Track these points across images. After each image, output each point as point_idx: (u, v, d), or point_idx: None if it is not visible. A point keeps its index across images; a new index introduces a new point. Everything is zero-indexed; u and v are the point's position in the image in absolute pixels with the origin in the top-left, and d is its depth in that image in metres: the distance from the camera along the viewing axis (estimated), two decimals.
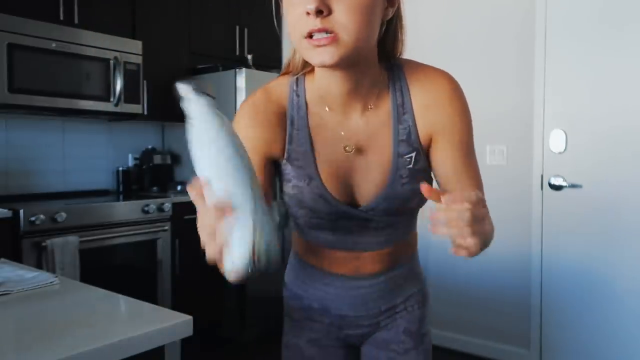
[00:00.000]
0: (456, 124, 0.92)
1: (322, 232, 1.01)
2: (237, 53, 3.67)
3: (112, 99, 2.90)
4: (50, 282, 1.13)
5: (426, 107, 0.91)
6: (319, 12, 0.76)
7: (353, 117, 0.92)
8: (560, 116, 2.69)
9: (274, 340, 3.51)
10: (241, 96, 3.17)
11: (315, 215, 0.96)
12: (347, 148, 0.92)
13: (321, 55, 0.79)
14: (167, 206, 2.96)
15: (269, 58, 3.90)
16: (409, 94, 0.92)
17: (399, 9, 0.90)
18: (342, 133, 0.92)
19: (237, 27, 3.67)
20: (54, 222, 2.46)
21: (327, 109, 0.93)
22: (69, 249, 2.44)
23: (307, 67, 0.94)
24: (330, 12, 0.77)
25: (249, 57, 3.54)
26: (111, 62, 2.88)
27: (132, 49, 2.98)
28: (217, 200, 0.62)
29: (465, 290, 2.90)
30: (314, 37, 0.79)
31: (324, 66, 0.82)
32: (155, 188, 3.36)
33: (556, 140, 2.70)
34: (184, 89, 0.66)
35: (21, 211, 2.37)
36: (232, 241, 0.62)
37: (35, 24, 2.58)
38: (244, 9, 3.72)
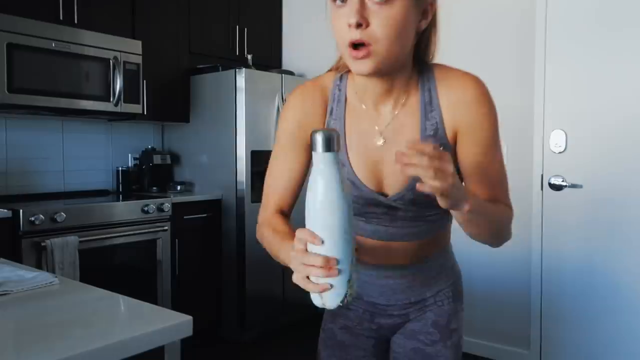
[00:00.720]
0: (480, 123, 0.99)
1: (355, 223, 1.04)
2: (237, 53, 3.67)
3: (111, 99, 2.90)
4: (50, 282, 1.12)
5: (453, 104, 0.99)
6: (358, 25, 0.86)
7: (385, 113, 1.02)
8: (560, 116, 2.69)
9: (274, 340, 3.51)
10: (241, 96, 3.17)
11: None
12: (377, 141, 1.01)
13: (359, 66, 0.90)
14: (167, 206, 2.96)
15: (269, 58, 3.90)
16: (437, 93, 1.00)
17: (434, 18, 0.98)
18: (375, 127, 1.02)
19: (237, 27, 3.67)
20: (54, 222, 2.45)
21: (362, 105, 1.03)
22: (68, 249, 2.44)
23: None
24: (368, 25, 0.87)
25: (249, 57, 3.54)
26: (111, 62, 2.88)
27: (131, 49, 2.98)
28: (327, 257, 0.77)
29: (465, 291, 2.89)
30: (354, 49, 0.89)
31: (361, 75, 0.93)
32: (155, 188, 3.36)
33: (556, 140, 2.70)
34: (317, 141, 0.76)
35: (21, 211, 2.37)
36: (332, 288, 0.78)
37: (35, 24, 2.58)
38: (244, 9, 3.72)
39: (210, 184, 3.37)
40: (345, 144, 1.04)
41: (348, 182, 0.79)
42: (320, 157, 0.76)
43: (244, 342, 3.21)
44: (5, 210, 2.35)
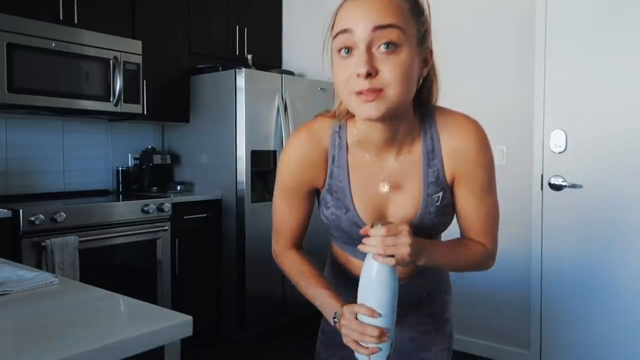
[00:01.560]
0: (476, 174, 1.03)
1: (355, 247, 1.11)
2: (237, 53, 3.67)
3: (111, 99, 2.90)
4: (50, 282, 1.12)
5: (453, 152, 1.02)
6: (368, 75, 0.87)
7: (388, 159, 1.04)
8: (560, 116, 2.69)
9: (274, 340, 3.51)
10: (241, 96, 3.17)
11: (349, 237, 1.10)
12: (381, 188, 1.05)
13: (368, 110, 0.90)
14: (167, 206, 2.96)
15: (269, 58, 3.90)
16: (439, 141, 1.02)
17: (433, 65, 1.00)
18: (379, 175, 1.05)
19: (237, 27, 3.67)
20: (54, 222, 2.45)
21: (365, 152, 1.04)
22: (68, 249, 2.44)
23: (350, 114, 1.03)
24: (377, 73, 0.88)
25: (249, 57, 3.54)
26: (111, 62, 2.88)
27: (131, 49, 2.98)
28: (381, 328, 0.92)
29: (465, 291, 2.89)
30: (362, 94, 0.89)
31: (369, 119, 0.92)
32: (155, 188, 3.36)
33: (556, 140, 2.70)
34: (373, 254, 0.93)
35: (21, 211, 2.37)
36: (379, 351, 0.94)
37: (35, 24, 2.58)
38: (244, 9, 3.72)
39: (210, 184, 3.37)
40: (350, 190, 1.06)
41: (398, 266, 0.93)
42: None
43: (244, 342, 3.21)
44: (5, 210, 2.35)
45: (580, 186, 2.63)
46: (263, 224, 3.15)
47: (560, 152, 2.69)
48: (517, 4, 2.86)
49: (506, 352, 2.93)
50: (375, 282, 0.92)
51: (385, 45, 0.87)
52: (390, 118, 0.94)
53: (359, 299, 0.95)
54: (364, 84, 0.87)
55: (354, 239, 1.07)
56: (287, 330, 3.39)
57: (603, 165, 2.57)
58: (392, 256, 0.92)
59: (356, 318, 0.94)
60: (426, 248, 0.97)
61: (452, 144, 1.01)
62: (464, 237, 1.10)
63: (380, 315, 0.92)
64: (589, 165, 2.61)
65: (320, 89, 3.60)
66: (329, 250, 1.29)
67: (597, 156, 2.59)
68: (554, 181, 2.70)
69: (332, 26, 0.95)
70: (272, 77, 3.35)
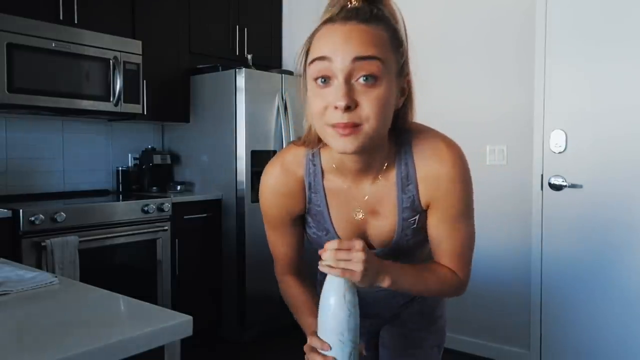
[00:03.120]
0: (450, 200, 1.00)
1: None
2: (237, 53, 3.67)
3: (111, 99, 2.90)
4: (50, 282, 1.12)
5: (428, 178, 0.99)
6: (347, 108, 0.84)
7: (363, 186, 1.02)
8: (560, 116, 2.69)
9: (274, 340, 3.51)
10: (241, 96, 3.17)
11: None
12: (356, 214, 1.04)
13: (344, 144, 0.87)
14: (167, 206, 2.96)
15: (268, 58, 3.90)
16: (414, 165, 0.99)
17: (410, 92, 0.97)
18: (354, 199, 1.03)
19: (237, 27, 3.67)
20: (54, 222, 2.45)
21: (340, 178, 1.03)
22: (68, 248, 2.44)
23: (322, 142, 1.00)
24: (357, 106, 0.85)
25: (249, 57, 3.53)
26: (111, 62, 2.88)
27: (131, 49, 2.98)
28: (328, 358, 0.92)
29: (467, 292, 2.90)
30: (336, 126, 0.86)
31: (345, 153, 0.90)
32: (155, 188, 3.36)
33: (556, 140, 2.70)
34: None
35: (21, 211, 2.37)
36: None
37: (35, 24, 2.58)
38: (244, 9, 3.72)
39: (210, 184, 3.37)
40: (329, 214, 1.05)
41: (356, 302, 0.91)
42: (333, 282, 0.90)
43: (244, 342, 3.21)
44: (5, 210, 2.35)
45: (580, 186, 2.63)
46: (263, 223, 3.15)
47: (560, 152, 2.69)
48: (518, 5, 2.86)
49: (506, 352, 2.93)
50: (332, 316, 0.91)
51: (365, 78, 0.84)
52: (362, 152, 0.91)
53: (318, 328, 0.95)
54: (342, 117, 0.84)
55: None
56: (287, 330, 3.39)
57: (603, 165, 2.57)
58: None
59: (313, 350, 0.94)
60: (389, 269, 0.95)
61: (426, 170, 0.99)
62: (435, 262, 1.07)
63: (330, 347, 0.91)
64: (589, 165, 2.61)
65: None
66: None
67: (597, 156, 2.59)
68: (554, 181, 2.70)
69: (307, 51, 0.91)
70: (272, 77, 3.35)
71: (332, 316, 0.90)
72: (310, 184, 1.05)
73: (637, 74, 2.48)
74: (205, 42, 3.49)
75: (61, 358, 0.70)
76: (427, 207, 1.02)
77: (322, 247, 1.06)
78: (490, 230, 2.87)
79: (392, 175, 1.01)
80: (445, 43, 3.06)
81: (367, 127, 0.86)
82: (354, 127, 0.85)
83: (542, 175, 2.75)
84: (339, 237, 1.05)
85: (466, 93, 2.97)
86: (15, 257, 2.30)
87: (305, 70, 0.91)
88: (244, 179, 3.18)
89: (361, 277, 0.89)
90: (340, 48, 0.84)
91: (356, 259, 0.89)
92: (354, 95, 0.84)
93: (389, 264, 0.97)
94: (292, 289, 1.16)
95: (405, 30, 0.93)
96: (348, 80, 0.84)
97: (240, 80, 3.17)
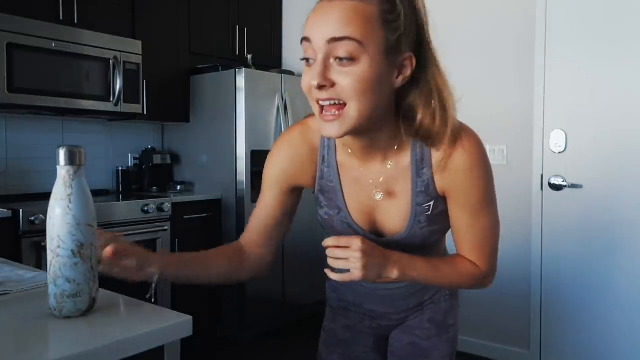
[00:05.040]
0: (468, 189, 0.97)
1: None
2: (237, 53, 3.67)
3: (111, 99, 2.90)
4: None
5: (445, 169, 0.95)
6: (321, 87, 0.84)
7: (374, 165, 1.00)
8: (560, 116, 2.69)
9: (274, 340, 3.50)
10: (241, 96, 3.17)
11: None
12: (374, 194, 1.01)
13: (329, 129, 0.87)
14: (167, 206, 2.96)
15: (269, 58, 3.90)
16: (429, 151, 0.96)
17: (417, 71, 0.90)
18: (369, 180, 1.01)
19: (237, 27, 3.67)
20: None
21: (350, 156, 1.01)
22: None
23: None
24: (333, 85, 0.84)
25: (249, 57, 3.53)
26: (111, 62, 2.88)
27: (131, 49, 2.98)
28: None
29: (465, 291, 2.90)
30: (323, 111, 0.87)
31: (330, 137, 0.91)
32: (155, 188, 3.36)
33: (556, 140, 2.70)
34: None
35: (21, 211, 2.37)
36: None
37: (35, 24, 2.58)
38: (244, 9, 3.72)
39: (210, 183, 3.37)
40: (342, 190, 1.03)
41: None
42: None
43: (243, 342, 3.21)
44: (5, 210, 2.35)
45: (580, 186, 2.63)
46: None
47: (560, 152, 2.69)
48: (518, 4, 2.86)
49: (506, 352, 2.93)
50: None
51: (340, 60, 0.83)
52: (356, 133, 0.90)
53: None
54: (320, 94, 0.85)
55: None
56: (287, 330, 3.39)
57: (603, 165, 2.57)
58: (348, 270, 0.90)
59: None
60: (396, 260, 0.94)
61: (442, 157, 0.94)
62: (457, 254, 1.05)
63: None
64: (589, 165, 2.61)
65: None
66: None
67: (597, 156, 2.59)
68: (554, 181, 2.70)
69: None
70: (272, 77, 3.35)
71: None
72: (324, 157, 1.03)
73: (637, 74, 2.48)
74: (205, 42, 3.49)
75: (61, 358, 0.70)
76: (443, 194, 0.99)
77: (333, 228, 1.07)
78: None
79: (407, 158, 0.98)
80: (445, 43, 3.05)
81: (351, 108, 0.85)
82: (338, 110, 0.85)
83: (542, 175, 2.75)
84: (350, 215, 1.03)
85: (466, 93, 2.97)
86: (15, 257, 2.30)
87: None
88: (244, 179, 3.18)
89: (363, 274, 0.89)
90: (317, 29, 0.85)
91: (354, 258, 0.89)
92: (330, 74, 0.84)
93: (395, 254, 0.95)
94: (217, 249, 1.09)
95: (413, 4, 0.91)
96: (325, 60, 0.84)
97: (240, 80, 3.17)
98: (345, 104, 0.85)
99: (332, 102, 0.86)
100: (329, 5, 0.85)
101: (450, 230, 1.07)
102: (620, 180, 2.52)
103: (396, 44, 0.86)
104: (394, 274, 0.94)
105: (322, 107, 0.87)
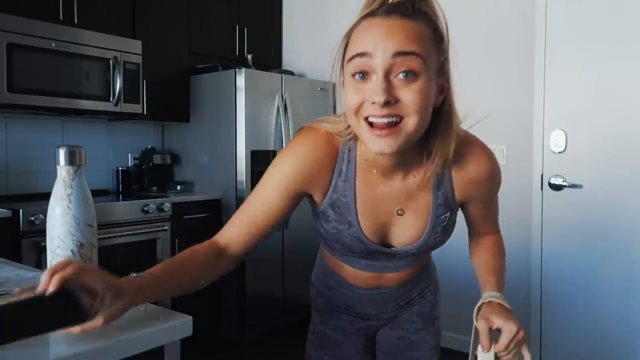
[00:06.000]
0: (489, 195, 1.08)
1: (352, 257, 1.12)
2: (237, 53, 3.67)
3: (111, 99, 2.90)
4: None
5: (465, 181, 1.02)
6: (387, 103, 0.82)
7: (395, 181, 1.01)
8: (560, 116, 2.69)
9: (274, 340, 3.50)
10: (241, 96, 3.17)
11: (350, 250, 1.08)
12: (395, 211, 1.02)
13: (381, 145, 0.85)
14: (167, 206, 2.96)
15: (269, 58, 3.90)
16: (449, 165, 1.00)
17: (449, 91, 0.93)
18: (385, 195, 1.01)
19: (237, 27, 3.67)
20: None
21: (372, 171, 1.00)
22: None
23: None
24: (397, 101, 0.83)
25: (249, 57, 3.53)
26: (111, 61, 2.88)
27: (131, 49, 2.98)
28: None
29: (465, 290, 2.89)
30: (374, 126, 0.84)
31: (383, 154, 0.88)
32: (154, 188, 3.36)
33: (556, 140, 2.70)
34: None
35: (21, 211, 2.37)
36: None
37: (35, 24, 2.58)
38: (244, 9, 3.72)
39: (210, 183, 3.37)
40: (356, 206, 1.01)
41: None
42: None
43: (243, 342, 3.21)
44: (5, 210, 2.35)
45: (580, 186, 2.63)
46: None
47: (560, 152, 2.69)
48: (518, 5, 2.86)
49: None
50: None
51: (404, 74, 0.82)
52: (403, 151, 0.89)
53: None
54: (380, 111, 0.82)
55: (354, 251, 1.07)
56: (287, 330, 3.39)
57: (603, 165, 2.57)
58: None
59: None
60: (502, 296, 1.06)
61: (463, 174, 1.01)
62: (477, 238, 1.18)
63: None
64: (589, 165, 2.61)
65: (320, 89, 3.60)
66: (319, 257, 1.28)
67: (597, 156, 2.59)
68: (554, 181, 2.70)
69: (346, 46, 0.88)
70: (272, 77, 3.35)
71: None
72: (341, 170, 1.00)
73: (637, 74, 2.47)
74: (205, 42, 3.49)
75: (61, 358, 0.70)
76: (461, 202, 1.07)
77: (340, 242, 1.05)
78: None
79: (427, 172, 0.99)
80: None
81: (409, 123, 0.84)
82: (394, 126, 0.84)
83: (542, 175, 2.75)
84: (362, 232, 1.02)
85: (466, 93, 2.96)
86: (15, 257, 2.30)
87: (342, 66, 0.89)
88: (243, 179, 3.18)
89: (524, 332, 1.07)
90: (381, 43, 0.82)
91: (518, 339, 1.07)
92: (393, 91, 0.82)
93: (496, 294, 1.06)
94: (192, 249, 0.96)
95: (446, 27, 0.90)
96: (387, 75, 0.82)
97: (240, 80, 3.17)
98: (400, 121, 0.84)
99: (390, 120, 0.83)
100: (389, 21, 0.83)
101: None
102: (620, 181, 2.52)
103: (442, 66, 0.89)
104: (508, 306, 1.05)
105: (370, 123, 0.84)
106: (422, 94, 0.83)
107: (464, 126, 1.01)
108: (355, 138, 0.99)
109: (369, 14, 0.86)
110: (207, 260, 0.96)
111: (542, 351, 2.80)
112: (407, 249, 1.05)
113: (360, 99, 0.84)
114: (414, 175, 1.00)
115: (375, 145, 0.86)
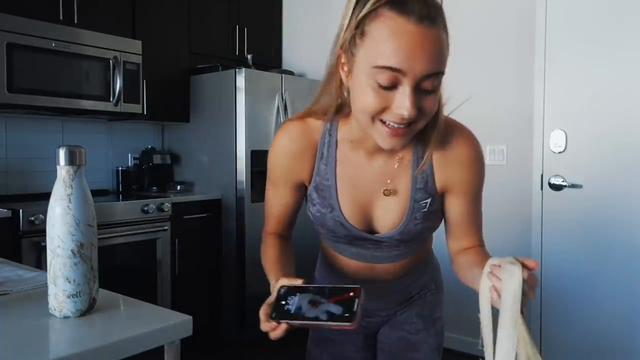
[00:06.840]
0: (470, 182, 1.03)
1: (341, 244, 1.13)
2: (237, 53, 3.67)
3: (111, 99, 2.90)
4: None
5: (444, 163, 1.01)
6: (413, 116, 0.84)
7: (379, 160, 1.03)
8: (560, 116, 2.69)
9: (274, 340, 3.50)
10: (241, 96, 3.17)
11: (334, 235, 1.10)
12: (379, 190, 1.03)
13: (392, 144, 0.89)
14: (167, 206, 2.96)
15: (269, 58, 3.90)
16: (430, 147, 1.00)
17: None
18: (372, 175, 1.03)
19: (237, 27, 3.67)
20: None
21: (355, 153, 1.02)
22: None
23: (340, 114, 1.00)
24: (419, 111, 0.85)
25: (249, 57, 3.54)
26: (111, 62, 2.88)
27: (131, 49, 2.98)
28: None
29: (465, 290, 2.90)
30: (390, 128, 0.87)
31: (393, 150, 0.93)
32: (154, 188, 3.36)
33: (556, 140, 2.70)
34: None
35: (21, 211, 2.37)
36: None
37: (35, 24, 2.58)
38: (244, 9, 3.72)
39: (210, 183, 3.37)
40: (336, 190, 1.04)
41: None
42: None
43: (243, 342, 3.21)
44: (5, 210, 2.35)
45: (580, 186, 2.63)
46: (263, 223, 3.15)
47: (560, 152, 2.69)
48: (517, 4, 2.86)
49: None
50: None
51: (428, 92, 0.85)
52: None
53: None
54: (402, 121, 0.85)
55: (339, 237, 1.09)
56: (287, 330, 3.39)
57: (603, 165, 2.57)
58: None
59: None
60: None
61: (444, 156, 1.00)
62: (462, 252, 1.08)
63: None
64: (589, 165, 2.61)
65: None
66: (320, 247, 1.30)
67: (597, 156, 2.59)
68: (554, 181, 2.70)
69: (362, 33, 0.83)
70: (272, 77, 3.35)
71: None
72: (322, 154, 1.04)
73: (636, 74, 2.47)
74: (205, 42, 3.49)
75: (61, 358, 0.70)
76: (442, 190, 1.04)
77: (324, 225, 1.08)
78: (490, 230, 2.85)
79: (408, 153, 1.02)
80: None
81: (420, 124, 0.89)
82: (406, 127, 0.87)
83: (542, 175, 2.75)
84: (343, 215, 1.04)
85: (466, 93, 2.97)
86: (15, 257, 2.30)
87: (353, 52, 0.85)
88: (243, 179, 3.18)
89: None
90: (415, 62, 0.80)
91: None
92: (417, 102, 0.84)
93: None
94: (270, 249, 1.13)
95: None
96: (416, 90, 0.83)
97: (240, 80, 3.17)
98: (418, 122, 0.88)
99: (406, 124, 0.86)
100: (420, 31, 0.80)
101: (442, 227, 1.12)
102: (620, 180, 2.52)
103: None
104: None
105: (386, 123, 0.87)
106: (436, 101, 0.88)
107: (446, 111, 1.02)
108: (337, 121, 1.02)
109: (400, 8, 0.80)
110: (286, 243, 1.16)
111: (542, 351, 2.80)
112: (390, 234, 1.05)
113: (383, 105, 0.85)
114: (399, 157, 1.02)
115: (386, 144, 0.89)
